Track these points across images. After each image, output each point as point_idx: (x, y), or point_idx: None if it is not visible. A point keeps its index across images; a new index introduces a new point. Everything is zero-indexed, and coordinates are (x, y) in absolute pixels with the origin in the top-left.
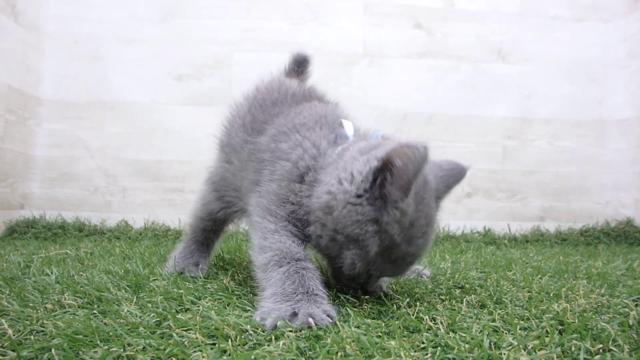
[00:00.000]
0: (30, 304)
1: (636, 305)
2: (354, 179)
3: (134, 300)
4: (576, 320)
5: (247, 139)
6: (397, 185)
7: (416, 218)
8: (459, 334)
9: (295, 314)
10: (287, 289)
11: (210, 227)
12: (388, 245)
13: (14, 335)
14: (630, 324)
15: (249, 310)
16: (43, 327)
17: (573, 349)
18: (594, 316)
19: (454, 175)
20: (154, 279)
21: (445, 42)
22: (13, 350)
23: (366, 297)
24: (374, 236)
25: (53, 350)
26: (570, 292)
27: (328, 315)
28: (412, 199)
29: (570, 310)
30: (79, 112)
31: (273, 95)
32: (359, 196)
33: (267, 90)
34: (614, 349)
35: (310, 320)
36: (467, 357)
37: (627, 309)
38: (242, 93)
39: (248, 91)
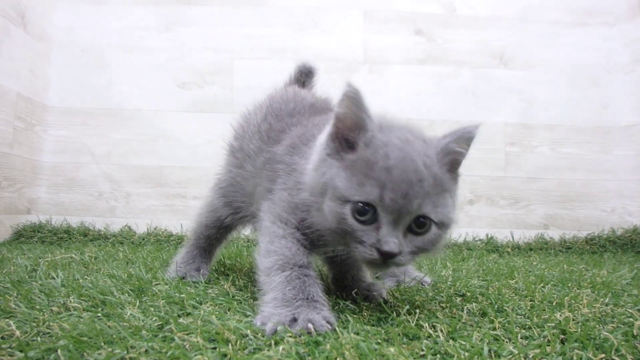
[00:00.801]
0: (37, 307)
1: None
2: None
3: (137, 304)
4: (579, 330)
5: (263, 147)
6: (348, 128)
7: (393, 161)
8: (459, 342)
9: (295, 320)
10: (287, 294)
11: (215, 235)
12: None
13: (21, 336)
14: (635, 333)
15: (249, 315)
16: (49, 328)
17: (575, 358)
18: (597, 325)
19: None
20: (157, 284)
21: (446, 48)
22: (21, 351)
23: (366, 303)
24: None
25: (59, 351)
26: (573, 301)
27: (327, 322)
28: (375, 135)
29: (573, 320)
30: (84, 119)
31: (289, 105)
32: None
33: (283, 99)
34: (616, 358)
35: (310, 325)
36: None
37: (631, 319)
38: (248, 100)
39: (262, 99)
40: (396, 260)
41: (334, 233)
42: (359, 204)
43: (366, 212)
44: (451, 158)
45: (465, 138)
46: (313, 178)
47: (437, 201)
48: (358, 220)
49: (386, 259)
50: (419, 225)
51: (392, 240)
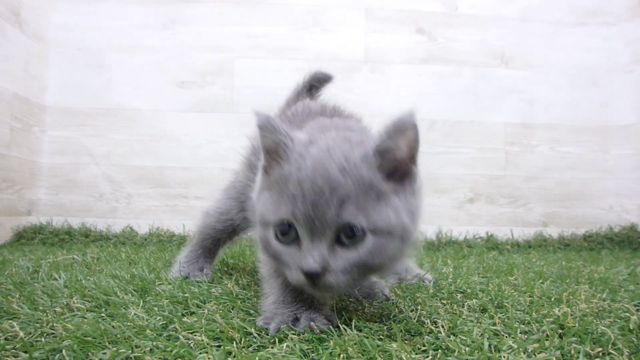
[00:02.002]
0: (40, 308)
1: (637, 310)
2: None
3: (141, 303)
4: (577, 325)
5: None
6: (272, 155)
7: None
8: (459, 337)
9: (297, 319)
10: (287, 296)
11: (223, 237)
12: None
13: (25, 337)
14: (631, 328)
15: (253, 313)
16: (53, 329)
17: (573, 352)
18: (594, 320)
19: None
20: (160, 284)
21: (447, 48)
22: (25, 352)
23: (369, 301)
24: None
25: (64, 351)
26: (571, 297)
27: (329, 320)
28: (294, 151)
29: (571, 315)
30: (83, 119)
31: (297, 119)
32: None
33: (294, 115)
34: (613, 352)
35: (312, 324)
36: (467, 359)
37: (628, 314)
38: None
39: (276, 114)
40: (325, 281)
41: (272, 260)
42: (278, 224)
43: (286, 231)
44: (389, 157)
45: (398, 131)
46: (256, 211)
47: (365, 206)
48: (281, 242)
49: (314, 281)
50: (349, 237)
51: (310, 256)
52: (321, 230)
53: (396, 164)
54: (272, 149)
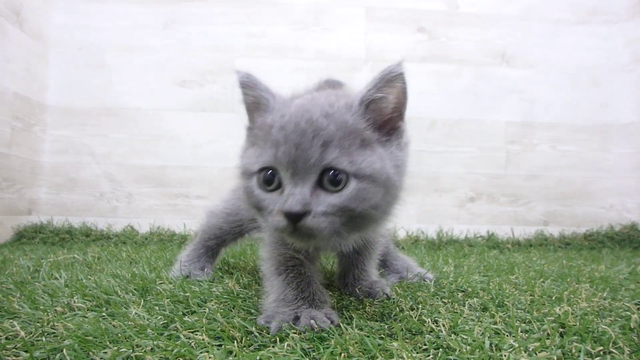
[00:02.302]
0: (41, 307)
1: (638, 309)
2: None
3: (142, 303)
4: (577, 323)
5: None
6: (252, 111)
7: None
8: (460, 336)
9: (297, 318)
10: (288, 295)
11: (229, 238)
12: None
13: (26, 336)
14: (632, 327)
15: (254, 312)
16: (54, 329)
17: (573, 350)
18: (595, 319)
19: None
20: (161, 283)
21: (448, 46)
22: (26, 351)
23: (369, 300)
24: None
25: (65, 350)
26: (572, 296)
27: (329, 318)
28: (277, 103)
29: (572, 314)
30: (83, 119)
31: None
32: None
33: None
34: (614, 351)
35: (313, 322)
36: (468, 358)
37: (628, 313)
38: None
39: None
40: (307, 222)
41: (255, 214)
42: (261, 172)
43: (271, 179)
44: (376, 108)
45: (385, 80)
46: (240, 165)
47: (349, 151)
48: (265, 190)
49: (295, 223)
50: (333, 182)
51: (292, 198)
52: (304, 173)
53: (383, 116)
54: (254, 106)
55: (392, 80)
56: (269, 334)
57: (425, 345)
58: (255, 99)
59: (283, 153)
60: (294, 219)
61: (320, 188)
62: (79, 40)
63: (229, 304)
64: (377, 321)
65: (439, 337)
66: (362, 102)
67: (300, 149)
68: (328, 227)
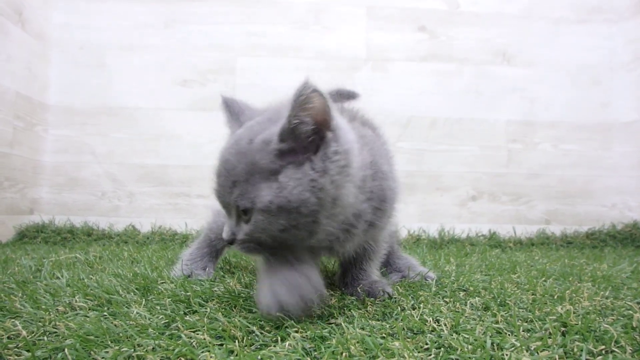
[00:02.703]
0: (43, 306)
1: None
2: None
3: (143, 302)
4: (579, 322)
5: None
6: None
7: None
8: (462, 335)
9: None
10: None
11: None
12: None
13: (27, 336)
14: (634, 326)
15: (255, 312)
16: (55, 328)
17: (575, 350)
18: (597, 318)
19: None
20: (162, 282)
21: (449, 45)
22: (28, 351)
23: (371, 299)
24: None
25: (66, 350)
26: (574, 295)
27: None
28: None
29: (574, 313)
30: (84, 118)
31: None
32: None
33: None
34: (616, 350)
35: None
36: (469, 357)
37: (631, 311)
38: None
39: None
40: (235, 247)
41: None
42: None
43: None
44: (296, 133)
45: (298, 105)
46: None
47: (252, 188)
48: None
49: (230, 245)
50: (244, 212)
51: (225, 228)
52: (228, 208)
53: (305, 139)
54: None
55: (305, 102)
56: (270, 333)
57: (426, 344)
58: (229, 125)
59: (214, 190)
60: (230, 243)
61: (243, 218)
62: (80, 39)
63: (230, 304)
64: (378, 320)
65: (441, 337)
66: (281, 136)
67: (220, 190)
68: (250, 250)
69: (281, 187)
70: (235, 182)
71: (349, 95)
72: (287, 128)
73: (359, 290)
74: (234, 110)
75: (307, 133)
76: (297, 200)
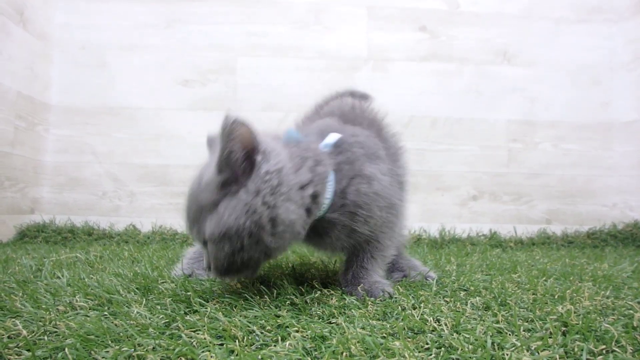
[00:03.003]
0: (43, 306)
1: None
2: None
3: (144, 302)
4: (580, 322)
5: None
6: None
7: None
8: (462, 335)
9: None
10: None
11: None
12: None
13: (28, 335)
14: (635, 325)
15: (256, 311)
16: (56, 327)
17: (576, 349)
18: (598, 318)
19: None
20: (163, 282)
21: (449, 45)
22: (28, 350)
23: (371, 299)
24: None
25: (67, 349)
26: (575, 294)
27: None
28: None
29: (575, 312)
30: (86, 118)
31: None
32: None
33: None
34: (617, 350)
35: None
36: (470, 357)
37: (631, 311)
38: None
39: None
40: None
41: None
42: None
43: None
44: (229, 164)
45: (225, 137)
46: None
47: (201, 222)
48: None
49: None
50: (205, 245)
51: (204, 258)
52: (198, 243)
53: (238, 164)
54: None
55: (230, 133)
56: (270, 332)
57: (427, 344)
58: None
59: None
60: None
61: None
62: (81, 39)
63: (230, 303)
64: (379, 320)
65: (441, 336)
66: (218, 168)
67: (187, 227)
68: (222, 275)
69: (219, 216)
70: (193, 221)
71: (361, 97)
72: (221, 160)
73: (360, 290)
74: (214, 149)
75: (238, 161)
76: (233, 226)
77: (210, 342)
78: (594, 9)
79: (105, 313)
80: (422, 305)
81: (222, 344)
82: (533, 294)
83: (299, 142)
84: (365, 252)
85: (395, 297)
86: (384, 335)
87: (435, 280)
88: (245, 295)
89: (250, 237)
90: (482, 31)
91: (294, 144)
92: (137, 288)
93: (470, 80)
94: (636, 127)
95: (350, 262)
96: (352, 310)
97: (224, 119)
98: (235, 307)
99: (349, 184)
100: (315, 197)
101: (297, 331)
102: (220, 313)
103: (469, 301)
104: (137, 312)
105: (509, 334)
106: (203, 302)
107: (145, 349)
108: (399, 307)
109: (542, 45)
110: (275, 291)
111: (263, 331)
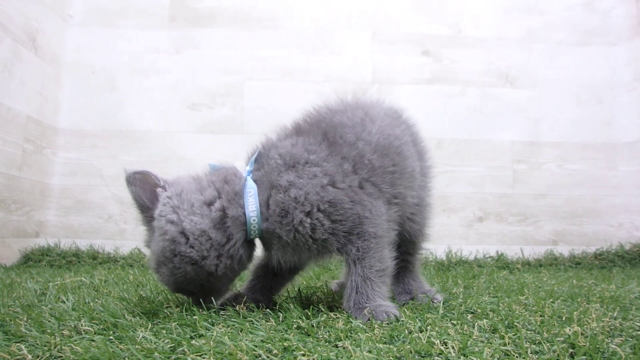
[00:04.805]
0: (48, 330)
1: None
2: None
3: (149, 326)
4: (588, 344)
5: None
6: None
7: None
8: (470, 358)
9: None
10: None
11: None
12: None
13: None
14: None
15: (262, 335)
16: (61, 352)
17: None
18: (605, 339)
19: None
20: (168, 306)
21: (452, 68)
22: None
23: (378, 321)
24: None
25: None
26: (582, 316)
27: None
28: None
29: (582, 334)
30: (94, 141)
31: None
32: None
33: None
34: None
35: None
36: None
37: (639, 332)
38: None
39: None
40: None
41: None
42: None
43: None
44: (141, 201)
45: (128, 184)
46: None
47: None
48: None
49: None
50: None
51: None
52: None
53: (149, 200)
54: None
55: (131, 182)
56: (277, 356)
57: None
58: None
59: None
60: None
61: None
62: (92, 64)
63: (236, 327)
64: (385, 343)
65: (448, 359)
66: (140, 210)
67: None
68: (189, 297)
69: (151, 248)
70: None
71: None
72: (136, 203)
73: (366, 313)
74: None
75: (146, 197)
76: (159, 251)
77: None
78: (594, 31)
79: (111, 337)
80: (429, 328)
81: None
82: (540, 316)
83: (217, 169)
84: (357, 274)
85: (402, 320)
86: (391, 358)
87: (442, 303)
88: (251, 319)
89: (177, 256)
90: (484, 54)
91: (211, 173)
92: (142, 312)
93: (474, 102)
94: (639, 146)
95: (347, 288)
96: (359, 334)
97: (126, 175)
98: (241, 330)
99: (269, 195)
100: (224, 209)
101: (303, 355)
102: (226, 337)
103: (476, 324)
104: (143, 336)
105: (517, 357)
106: (209, 326)
107: None
108: (406, 330)
109: (544, 67)
110: (281, 315)
111: (270, 355)
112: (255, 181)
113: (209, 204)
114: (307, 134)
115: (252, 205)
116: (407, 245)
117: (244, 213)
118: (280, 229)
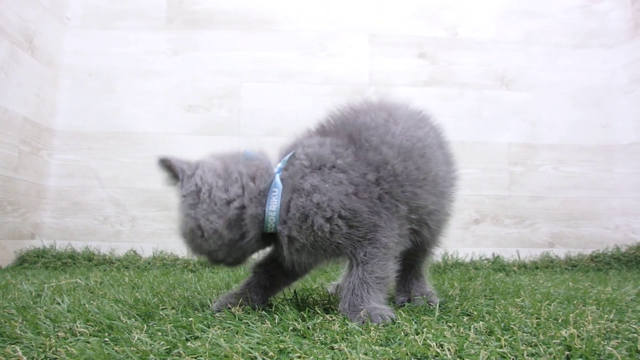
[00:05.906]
0: (43, 332)
1: None
2: None
3: (145, 328)
4: (584, 346)
5: None
6: None
7: None
8: None
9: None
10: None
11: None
12: None
13: None
14: (638, 348)
15: (258, 337)
16: (56, 354)
17: None
18: (601, 341)
19: None
20: (163, 308)
21: (449, 71)
22: None
23: (374, 324)
24: None
25: None
26: (578, 318)
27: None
28: None
29: (578, 336)
30: (91, 142)
31: None
32: None
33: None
34: None
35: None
36: None
37: (635, 334)
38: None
39: None
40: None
41: None
42: None
43: None
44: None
45: (159, 167)
46: None
47: None
48: None
49: None
50: None
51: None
52: None
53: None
54: None
55: (161, 166)
56: (272, 359)
57: None
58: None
59: None
60: None
61: None
62: (90, 65)
63: (232, 329)
64: (381, 346)
65: None
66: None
67: None
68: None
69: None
70: None
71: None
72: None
73: (362, 315)
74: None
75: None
76: (181, 224)
77: None
78: (591, 33)
79: (106, 339)
80: (425, 330)
81: None
82: (537, 318)
83: (251, 159)
84: (355, 276)
85: (398, 322)
86: None
87: (438, 305)
88: (247, 321)
89: (191, 239)
90: (482, 57)
91: (243, 162)
92: (137, 314)
93: (471, 105)
94: (636, 148)
95: (344, 290)
96: (355, 336)
97: (157, 159)
98: (237, 332)
99: (290, 198)
100: (243, 207)
101: (299, 357)
102: (221, 339)
103: (472, 326)
104: (138, 338)
105: (513, 359)
106: (204, 328)
107: None
108: (402, 333)
109: (541, 70)
110: (277, 317)
111: (265, 357)
112: (281, 180)
113: (229, 202)
114: (332, 135)
115: (273, 205)
116: (417, 249)
117: (264, 211)
118: (299, 233)
